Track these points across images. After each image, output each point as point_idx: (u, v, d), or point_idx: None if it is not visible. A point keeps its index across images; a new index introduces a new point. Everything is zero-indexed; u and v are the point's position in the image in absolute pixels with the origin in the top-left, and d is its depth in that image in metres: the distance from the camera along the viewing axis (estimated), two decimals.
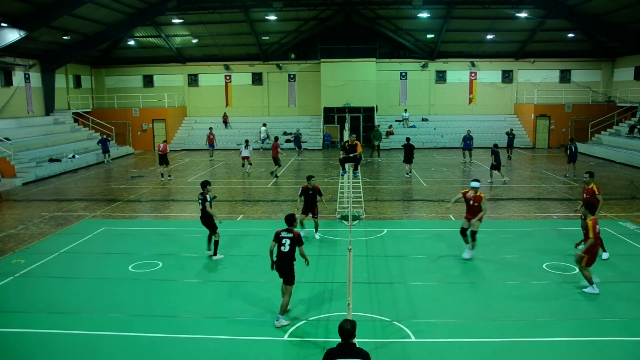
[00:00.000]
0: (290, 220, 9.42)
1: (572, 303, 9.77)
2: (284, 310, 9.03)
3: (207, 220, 12.53)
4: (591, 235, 9.91)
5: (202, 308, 9.74)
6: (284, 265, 9.15)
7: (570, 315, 9.24)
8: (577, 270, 10.55)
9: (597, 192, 12.60)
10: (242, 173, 25.36)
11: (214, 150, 31.52)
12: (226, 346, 8.34)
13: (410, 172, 24.27)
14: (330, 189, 21.03)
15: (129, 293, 10.52)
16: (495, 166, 22.10)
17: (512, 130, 31.74)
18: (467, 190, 12.54)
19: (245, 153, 25.04)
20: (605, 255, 12.03)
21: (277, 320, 8.90)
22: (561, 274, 11.24)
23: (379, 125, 33.90)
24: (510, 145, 30.56)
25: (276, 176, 24.16)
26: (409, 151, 23.85)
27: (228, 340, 8.51)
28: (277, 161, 24.43)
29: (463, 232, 12.44)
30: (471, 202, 12.25)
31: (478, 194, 12.26)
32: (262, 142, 35.63)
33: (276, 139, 26.20)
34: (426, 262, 12.14)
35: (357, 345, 5.39)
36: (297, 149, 32.76)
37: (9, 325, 9.10)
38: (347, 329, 5.34)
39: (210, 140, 30.73)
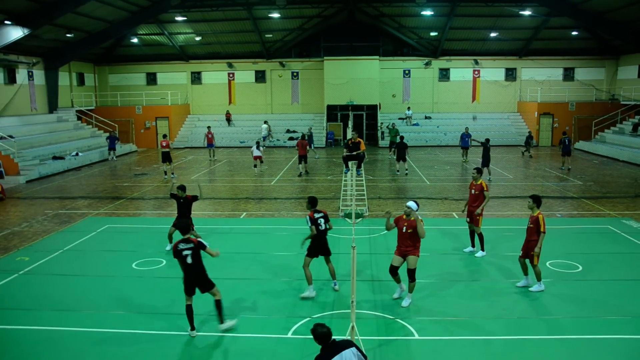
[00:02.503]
0: (313, 202, 10.37)
1: (576, 300, 9.76)
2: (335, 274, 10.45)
3: (202, 277, 8.69)
4: (542, 229, 9.88)
5: (206, 305, 9.72)
6: (325, 241, 10.28)
7: (573, 313, 9.23)
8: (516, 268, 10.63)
9: (485, 189, 12.25)
10: (255, 172, 25.19)
11: (214, 149, 31.10)
12: (230, 343, 8.36)
13: (406, 169, 24.34)
14: (333, 187, 21.05)
15: (132, 290, 10.54)
16: (485, 163, 22.28)
17: (530, 132, 32.52)
18: (400, 215, 9.94)
19: (257, 153, 24.95)
20: (480, 254, 12.34)
21: (334, 285, 10.39)
22: (565, 272, 11.23)
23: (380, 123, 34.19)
24: (528, 144, 31.04)
25: (306, 172, 24.52)
26: (402, 149, 23.91)
27: (232, 338, 8.52)
28: (305, 159, 24.42)
29: (393, 270, 9.65)
30: (404, 228, 9.53)
31: (412, 218, 9.50)
32: (264, 140, 35.63)
33: (303, 137, 25.76)
34: (429, 260, 12.12)
35: (337, 340, 5.41)
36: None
37: (13, 322, 9.14)
38: (324, 332, 5.36)
39: (209, 139, 30.23)
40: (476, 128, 36.25)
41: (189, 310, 8.54)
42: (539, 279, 10.15)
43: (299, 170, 24.45)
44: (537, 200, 10.18)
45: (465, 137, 27.87)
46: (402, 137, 24.74)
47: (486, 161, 22.30)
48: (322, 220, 10.13)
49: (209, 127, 31.35)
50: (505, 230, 14.43)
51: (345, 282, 10.46)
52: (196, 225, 15.44)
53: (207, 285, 8.69)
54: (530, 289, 10.20)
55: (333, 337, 5.40)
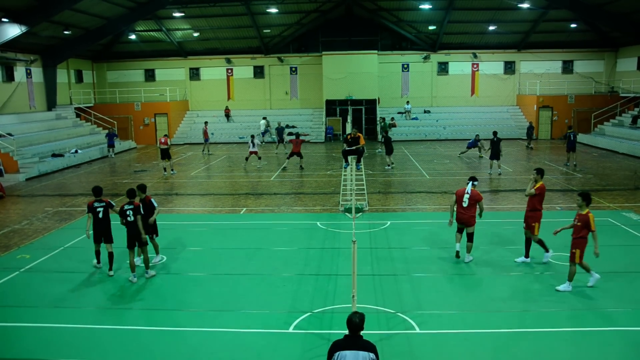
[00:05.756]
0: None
1: (576, 293, 9.77)
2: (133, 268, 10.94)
3: (108, 230, 11.27)
4: (592, 228, 9.60)
5: (208, 301, 9.77)
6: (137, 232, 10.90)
7: (573, 306, 9.26)
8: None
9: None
10: (244, 165, 25.29)
11: (208, 144, 31.43)
12: (232, 339, 8.37)
13: (392, 162, 24.82)
14: (333, 182, 21.06)
15: (133, 287, 10.55)
16: (495, 156, 22.28)
17: (531, 123, 32.32)
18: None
19: (253, 148, 24.93)
20: (547, 256, 11.49)
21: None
22: (565, 265, 11.22)
23: (383, 119, 34.29)
24: (529, 136, 31.00)
25: (301, 167, 24.54)
26: (389, 144, 24.70)
27: (233, 333, 8.54)
28: (299, 155, 24.45)
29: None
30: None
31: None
32: (263, 136, 35.60)
33: (297, 135, 25.82)
34: (429, 254, 12.15)
35: (364, 338, 5.38)
36: (277, 143, 32.17)
37: (15, 320, 9.16)
38: (355, 322, 5.30)
39: (206, 134, 30.83)
40: (476, 122, 36.34)
41: (97, 254, 11.43)
42: (570, 279, 9.84)
43: (284, 165, 24.83)
44: (586, 198, 9.89)
45: (477, 142, 26.95)
46: (386, 132, 25.74)
47: (495, 154, 22.34)
48: (131, 212, 10.71)
49: (206, 123, 31.50)
50: (505, 224, 14.44)
51: (346, 277, 10.47)
52: (196, 221, 15.51)
53: (109, 238, 11.22)
54: (557, 288, 9.89)
55: (361, 333, 5.37)
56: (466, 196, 11.35)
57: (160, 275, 11.07)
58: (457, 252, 11.53)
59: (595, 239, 9.66)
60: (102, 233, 11.18)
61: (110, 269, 11.13)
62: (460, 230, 11.65)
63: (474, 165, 25.01)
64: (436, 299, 9.68)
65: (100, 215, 11.12)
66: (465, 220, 11.37)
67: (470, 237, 11.46)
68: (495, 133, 22.81)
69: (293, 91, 39.71)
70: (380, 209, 16.60)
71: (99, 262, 11.49)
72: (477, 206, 11.38)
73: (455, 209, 11.57)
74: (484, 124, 35.52)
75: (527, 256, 11.51)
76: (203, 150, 31.20)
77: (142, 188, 11.54)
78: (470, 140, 27.57)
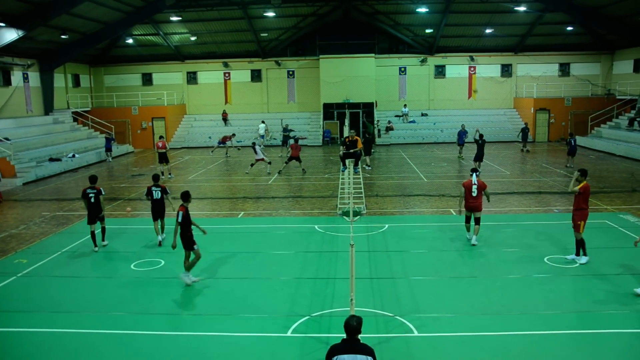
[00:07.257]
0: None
1: (574, 296, 9.80)
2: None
3: (98, 212, 13.20)
4: None
5: (205, 305, 9.76)
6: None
7: (571, 308, 9.27)
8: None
9: (582, 191, 11.43)
10: (246, 171, 25.20)
11: (225, 147, 31.73)
12: (229, 343, 8.36)
13: (368, 165, 25.18)
14: (331, 185, 21.07)
15: (131, 291, 10.53)
16: (478, 157, 22.82)
17: (526, 124, 32.15)
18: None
19: (259, 156, 24.72)
20: (584, 259, 11.47)
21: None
22: (562, 267, 11.27)
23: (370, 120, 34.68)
24: (524, 139, 31.00)
25: (303, 171, 24.45)
26: (368, 145, 25.23)
27: (231, 337, 8.53)
28: (298, 159, 24.37)
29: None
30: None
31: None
32: (262, 139, 35.58)
33: (296, 140, 25.81)
34: (427, 257, 12.16)
35: (361, 341, 5.38)
36: (282, 145, 32.13)
37: (12, 325, 9.13)
38: (353, 325, 5.30)
39: (225, 139, 31.48)
40: (473, 124, 36.32)
41: (93, 235, 13.05)
42: None
43: (281, 168, 24.78)
44: None
45: (462, 135, 28.02)
46: (369, 133, 26.68)
47: (479, 156, 22.61)
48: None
49: (233, 134, 32.39)
50: (502, 227, 14.47)
51: (344, 280, 10.46)
52: (193, 226, 15.44)
53: (101, 219, 13.26)
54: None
55: (359, 337, 5.36)
56: (474, 187, 12.72)
57: (158, 279, 11.05)
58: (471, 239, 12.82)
59: None
60: (94, 215, 13.03)
61: (103, 240, 13.48)
62: (467, 220, 13.07)
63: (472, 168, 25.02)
64: (434, 302, 9.68)
65: (92, 200, 12.97)
66: (475, 207, 12.75)
67: (477, 221, 12.81)
68: (481, 136, 23.04)
69: (290, 95, 39.75)
70: (378, 212, 16.60)
71: (95, 245, 13.12)
72: (483, 193, 12.83)
73: (464, 199, 12.84)
74: (482, 127, 35.50)
75: (585, 254, 11.61)
76: (212, 151, 31.87)
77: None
78: (461, 136, 28.14)
